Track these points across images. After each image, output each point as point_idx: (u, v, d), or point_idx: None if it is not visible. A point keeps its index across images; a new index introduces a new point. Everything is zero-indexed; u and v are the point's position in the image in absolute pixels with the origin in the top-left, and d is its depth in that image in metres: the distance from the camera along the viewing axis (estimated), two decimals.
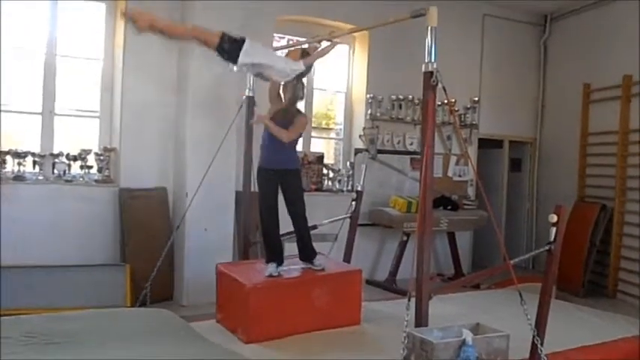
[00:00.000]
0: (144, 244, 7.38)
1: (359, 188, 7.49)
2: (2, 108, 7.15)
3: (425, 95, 4.69)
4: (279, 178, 5.88)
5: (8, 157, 7.21)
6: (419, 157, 5.20)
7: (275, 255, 5.86)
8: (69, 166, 7.49)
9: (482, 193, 5.26)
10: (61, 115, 7.66)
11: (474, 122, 10.35)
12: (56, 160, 7.44)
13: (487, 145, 10.76)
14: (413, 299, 4.48)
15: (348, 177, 9.42)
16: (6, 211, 6.88)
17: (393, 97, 9.57)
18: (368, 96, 9.41)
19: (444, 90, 4.62)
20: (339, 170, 9.45)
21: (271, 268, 5.76)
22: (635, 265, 8.84)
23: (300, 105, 6.15)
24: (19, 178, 7.15)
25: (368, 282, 8.62)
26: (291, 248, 6.21)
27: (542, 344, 4.58)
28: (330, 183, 9.30)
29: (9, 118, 7.30)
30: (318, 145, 9.59)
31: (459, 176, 10.40)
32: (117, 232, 7.61)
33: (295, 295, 5.67)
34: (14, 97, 7.33)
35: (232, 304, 5.72)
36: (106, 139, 7.87)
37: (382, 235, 9.60)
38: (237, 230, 7.67)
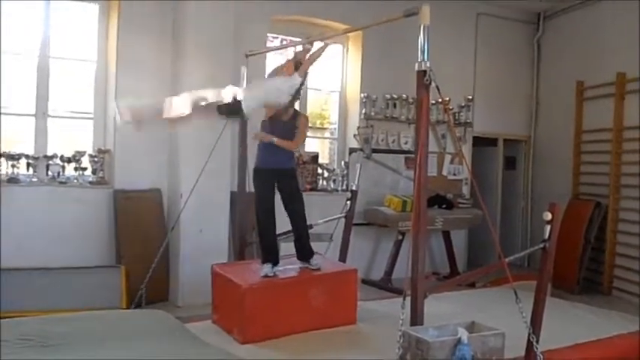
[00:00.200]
0: (139, 245, 7.37)
1: (354, 187, 7.49)
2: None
3: (418, 94, 4.69)
4: (276, 178, 5.87)
5: (2, 160, 7.20)
6: (413, 156, 5.18)
7: (271, 256, 5.85)
8: (63, 167, 7.49)
9: (476, 192, 5.26)
10: (54, 116, 7.65)
11: (468, 121, 10.36)
12: (50, 162, 7.43)
13: (481, 143, 10.77)
14: (408, 298, 4.47)
15: (343, 176, 9.42)
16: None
17: (387, 96, 9.57)
18: (362, 95, 9.41)
19: (437, 89, 4.61)
20: (334, 170, 9.45)
21: (267, 268, 5.75)
22: (630, 261, 8.86)
23: (295, 105, 6.14)
24: (13, 180, 7.14)
25: (363, 281, 8.63)
26: (286, 248, 6.21)
27: (537, 342, 4.58)
28: (324, 182, 9.30)
29: (2, 120, 7.28)
30: (312, 145, 9.60)
31: (454, 175, 10.40)
32: (112, 233, 7.60)
33: (291, 295, 5.66)
34: (7, 99, 7.30)
35: (228, 305, 5.71)
36: (100, 141, 7.86)
37: (377, 234, 9.60)
38: (233, 231, 7.66)
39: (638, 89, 8.82)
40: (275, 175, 5.84)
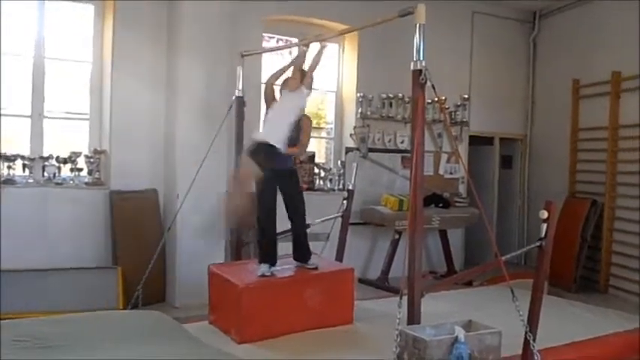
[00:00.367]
0: (135, 246, 7.36)
1: (350, 187, 7.50)
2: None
3: (414, 93, 4.70)
4: (279, 178, 5.89)
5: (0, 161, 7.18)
6: (410, 155, 5.19)
7: (269, 256, 5.85)
8: (59, 168, 7.47)
9: (473, 191, 5.27)
10: (50, 117, 7.64)
11: (465, 120, 10.37)
12: (46, 163, 7.41)
13: (478, 142, 10.78)
14: (405, 297, 4.48)
15: (340, 176, 9.41)
16: None
17: (384, 95, 9.58)
18: (358, 95, 9.41)
19: (433, 88, 4.63)
20: (331, 169, 9.45)
21: (264, 268, 5.76)
22: (627, 260, 8.87)
23: None
24: (8, 181, 7.12)
25: (360, 280, 8.62)
26: (283, 247, 6.19)
27: (534, 340, 4.59)
28: (321, 182, 9.30)
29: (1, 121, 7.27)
30: (309, 145, 9.56)
31: (450, 174, 10.41)
32: (108, 234, 7.59)
33: (288, 294, 5.67)
34: (3, 100, 7.28)
35: (225, 305, 5.71)
36: (96, 142, 7.85)
37: (374, 233, 9.60)
38: (229, 231, 7.65)
39: (635, 87, 8.83)
40: (277, 175, 5.85)
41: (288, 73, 6.12)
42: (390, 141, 9.75)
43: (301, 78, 5.82)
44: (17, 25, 7.37)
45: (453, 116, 10.25)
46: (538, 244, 4.86)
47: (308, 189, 8.92)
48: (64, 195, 7.42)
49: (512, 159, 11.42)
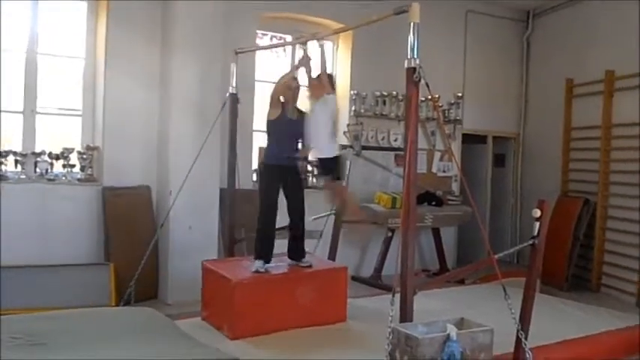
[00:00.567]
0: (128, 242, 7.35)
1: (343, 184, 7.49)
2: None
3: (408, 91, 4.70)
4: (284, 176, 5.92)
5: None
6: (403, 153, 5.20)
7: (264, 252, 5.85)
8: (51, 164, 7.45)
9: (466, 189, 5.28)
10: (42, 113, 7.61)
11: (458, 118, 10.38)
12: (38, 159, 7.39)
13: (471, 140, 10.79)
14: (398, 295, 4.49)
15: None
16: None
17: (377, 93, 9.58)
18: (352, 92, 9.41)
19: (427, 86, 4.63)
20: None
21: (258, 264, 5.76)
22: (618, 258, 8.90)
23: None
24: (0, 177, 7.09)
25: (353, 278, 8.63)
26: (278, 245, 6.18)
27: (526, 338, 4.60)
28: (314, 180, 9.28)
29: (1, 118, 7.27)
30: None
31: (443, 172, 10.43)
32: (100, 230, 7.57)
33: (281, 291, 5.67)
34: None
35: (218, 301, 5.71)
36: (89, 138, 7.83)
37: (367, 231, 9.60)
38: (222, 228, 7.65)
39: (629, 86, 8.85)
40: (283, 172, 5.90)
41: (291, 75, 6.16)
42: (383, 139, 9.76)
43: (321, 84, 5.88)
44: (10, 20, 7.32)
45: (446, 114, 10.26)
46: (531, 242, 4.87)
47: None
48: (56, 191, 7.40)
49: (505, 157, 11.45)
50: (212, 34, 7.64)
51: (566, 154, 9.97)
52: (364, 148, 9.51)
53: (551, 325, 5.79)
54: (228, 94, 7.00)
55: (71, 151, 7.56)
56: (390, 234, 9.12)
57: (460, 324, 4.63)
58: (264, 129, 6.21)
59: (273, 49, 9.46)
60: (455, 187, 10.50)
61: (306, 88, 6.12)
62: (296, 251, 6.07)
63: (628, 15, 8.89)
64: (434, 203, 9.63)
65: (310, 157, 5.93)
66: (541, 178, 10.57)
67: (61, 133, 7.88)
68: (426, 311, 4.94)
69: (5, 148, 7.25)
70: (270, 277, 5.72)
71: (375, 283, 8.79)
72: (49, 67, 7.67)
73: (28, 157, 7.36)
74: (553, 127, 10.17)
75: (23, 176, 7.29)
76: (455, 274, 7.85)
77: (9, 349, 3.91)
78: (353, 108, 9.41)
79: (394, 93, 9.57)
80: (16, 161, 7.27)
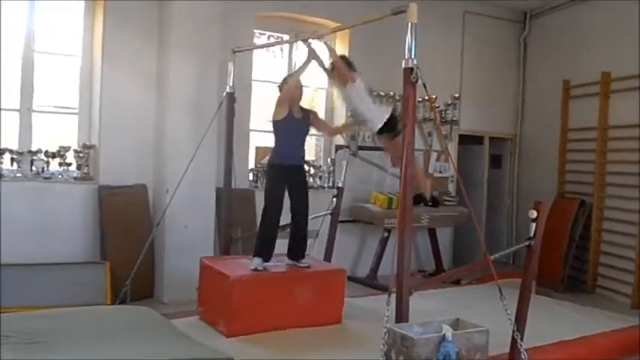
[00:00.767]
0: (124, 241, 7.34)
1: (340, 185, 7.50)
2: None
3: (405, 91, 4.70)
4: (291, 176, 5.94)
5: None
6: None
7: (264, 251, 5.85)
8: (47, 163, 7.44)
9: (462, 190, 5.28)
10: (39, 111, 7.59)
11: (455, 119, 10.38)
12: (34, 158, 7.37)
13: (467, 141, 10.80)
14: (393, 295, 4.48)
15: (329, 173, 9.41)
16: None
17: (374, 93, 9.55)
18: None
19: (424, 86, 4.63)
20: (320, 167, 9.45)
21: (257, 261, 5.76)
22: (614, 260, 8.92)
23: None
24: None
25: (349, 278, 8.56)
26: (278, 245, 6.17)
27: (521, 339, 4.61)
28: (311, 179, 9.27)
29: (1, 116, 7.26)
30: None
31: (440, 172, 10.43)
32: (96, 229, 7.56)
33: (279, 290, 5.67)
34: None
35: (215, 297, 5.71)
36: (85, 136, 7.82)
37: (363, 231, 9.61)
38: (218, 227, 7.65)
39: (625, 88, 8.87)
40: (290, 172, 5.92)
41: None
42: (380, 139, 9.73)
43: (341, 73, 5.97)
44: (6, 18, 7.30)
45: (443, 115, 10.26)
46: (527, 243, 4.88)
47: None
48: (52, 190, 7.38)
49: (501, 158, 11.46)
50: (209, 33, 7.63)
51: (562, 155, 9.98)
52: (361, 148, 9.51)
53: (547, 326, 5.80)
54: (225, 94, 7.00)
55: (67, 149, 7.54)
56: (386, 234, 9.13)
57: (456, 324, 4.63)
58: (259, 129, 6.21)
59: (270, 50, 9.45)
60: (451, 187, 10.51)
61: (330, 80, 6.28)
62: (296, 251, 6.06)
63: (625, 17, 8.91)
64: (430, 204, 9.63)
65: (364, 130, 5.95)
66: (537, 179, 10.58)
67: (57, 132, 7.86)
68: (421, 312, 4.94)
69: (1, 146, 7.23)
70: (268, 275, 5.72)
71: (371, 283, 8.80)
72: (45, 65, 7.64)
73: (24, 156, 7.34)
74: (550, 128, 10.19)
75: (19, 174, 7.27)
76: (451, 275, 7.84)
77: (4, 347, 3.90)
78: (350, 107, 9.38)
79: (391, 93, 9.56)
80: (12, 159, 7.25)
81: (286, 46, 9.33)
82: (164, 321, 5.03)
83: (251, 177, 8.80)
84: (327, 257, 7.16)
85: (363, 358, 4.64)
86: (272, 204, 5.88)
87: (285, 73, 8.75)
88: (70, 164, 7.58)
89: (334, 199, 7.40)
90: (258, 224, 6.17)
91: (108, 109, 7.62)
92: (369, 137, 9.62)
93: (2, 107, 7.31)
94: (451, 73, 10.36)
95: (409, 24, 4.62)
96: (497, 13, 10.82)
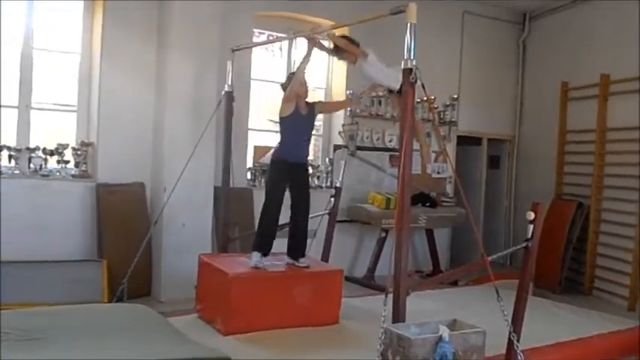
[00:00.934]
0: (121, 239, 7.34)
1: (338, 184, 7.48)
2: None
3: (404, 92, 4.70)
4: (294, 173, 5.93)
5: None
6: (398, 153, 5.20)
7: (263, 245, 5.84)
8: (45, 160, 7.43)
9: (460, 190, 5.28)
10: (37, 108, 7.58)
11: (453, 119, 10.39)
12: (32, 155, 7.36)
13: (466, 142, 10.81)
14: (390, 295, 4.48)
15: (327, 173, 9.41)
16: None
17: (373, 93, 9.56)
18: (348, 92, 9.39)
19: (423, 87, 4.63)
20: (319, 166, 9.45)
21: (256, 256, 5.76)
22: (611, 262, 8.92)
23: None
24: None
25: (347, 278, 8.57)
26: (278, 246, 6.17)
27: (518, 340, 4.61)
28: (309, 179, 9.27)
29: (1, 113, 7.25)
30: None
31: (438, 173, 10.42)
32: (94, 227, 7.55)
33: (277, 289, 5.65)
34: None
35: (213, 295, 5.70)
36: (84, 134, 7.81)
37: (361, 231, 9.61)
38: (216, 226, 7.64)
39: (623, 90, 8.87)
40: (294, 169, 5.91)
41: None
42: (378, 139, 9.76)
43: (349, 52, 5.99)
44: (5, 17, 7.29)
45: (441, 116, 10.27)
46: (524, 245, 4.87)
47: None
48: (50, 187, 7.38)
49: (499, 159, 11.47)
50: (208, 32, 7.62)
51: (560, 157, 9.99)
52: (359, 148, 9.52)
53: (544, 328, 5.81)
54: (223, 93, 7.00)
55: (65, 146, 7.54)
56: (383, 234, 9.13)
57: (453, 325, 4.63)
58: (257, 128, 6.21)
59: (269, 49, 9.45)
60: (449, 188, 10.51)
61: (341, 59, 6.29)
62: (296, 250, 6.04)
63: (625, 19, 8.91)
64: (428, 204, 9.65)
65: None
66: (535, 180, 10.59)
67: (55, 129, 7.86)
68: (418, 312, 4.95)
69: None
70: (267, 274, 5.71)
71: (368, 283, 8.80)
72: (44, 62, 7.63)
73: (22, 153, 7.34)
74: (548, 129, 10.19)
75: (17, 172, 7.26)
76: (448, 276, 7.85)
77: (1, 344, 3.90)
78: (348, 108, 9.40)
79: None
80: (10, 156, 7.25)
81: (285, 46, 9.33)
82: (161, 319, 5.03)
83: (249, 176, 8.79)
84: (325, 257, 7.15)
85: (360, 358, 4.63)
86: (273, 199, 5.87)
87: (284, 72, 8.78)
88: (68, 162, 7.57)
89: (332, 199, 7.39)
90: (256, 224, 6.17)
91: (106, 107, 7.61)
92: (367, 138, 9.63)
93: (1, 104, 7.30)
94: (450, 73, 10.37)
95: (409, 24, 4.62)
96: (496, 13, 10.83)
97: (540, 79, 10.73)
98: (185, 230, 7.46)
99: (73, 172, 7.61)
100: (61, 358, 3.82)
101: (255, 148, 8.96)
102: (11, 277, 6.58)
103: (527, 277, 4.96)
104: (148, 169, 7.88)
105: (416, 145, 5.12)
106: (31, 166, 7.35)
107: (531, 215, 4.81)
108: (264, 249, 5.84)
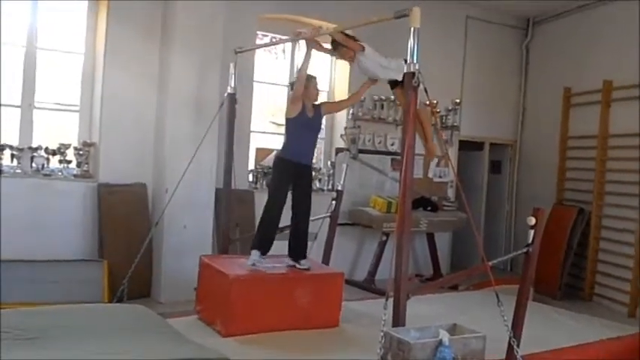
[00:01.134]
0: (122, 240, 7.34)
1: (339, 188, 7.49)
2: None
3: (406, 96, 4.70)
4: (298, 174, 5.92)
5: None
6: (399, 157, 5.20)
7: (263, 244, 5.84)
8: (47, 160, 7.44)
9: (461, 195, 5.28)
10: (40, 108, 7.59)
11: (455, 124, 10.39)
12: (35, 154, 7.37)
13: (468, 147, 10.80)
14: (391, 299, 4.48)
15: (329, 176, 9.42)
16: None
17: (375, 97, 9.58)
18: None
19: (426, 91, 4.63)
20: (320, 169, 9.44)
21: (255, 255, 5.76)
22: (611, 268, 8.91)
23: None
24: None
25: (347, 281, 8.55)
26: (278, 246, 6.17)
27: (518, 345, 4.60)
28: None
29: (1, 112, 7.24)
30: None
31: (439, 177, 10.42)
32: (95, 227, 7.56)
33: (278, 291, 5.65)
34: None
35: (213, 296, 5.70)
36: (86, 134, 7.82)
37: (362, 234, 9.61)
38: (217, 228, 7.64)
39: (626, 96, 8.87)
40: (297, 169, 5.90)
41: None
42: (380, 143, 9.76)
43: (345, 48, 5.94)
44: (8, 16, 7.30)
45: (443, 120, 10.27)
46: (525, 250, 4.88)
47: None
48: (51, 187, 7.38)
49: (501, 164, 11.46)
50: (212, 34, 7.64)
51: (562, 162, 9.99)
52: (361, 151, 9.52)
53: (544, 333, 5.80)
54: (226, 94, 6.99)
55: (68, 146, 7.54)
56: (384, 238, 9.13)
57: (453, 330, 4.63)
58: (259, 130, 6.20)
59: (273, 51, 9.46)
60: (450, 192, 10.51)
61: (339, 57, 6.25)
62: (297, 251, 6.03)
63: (628, 25, 8.91)
64: (429, 208, 9.65)
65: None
66: (537, 186, 10.59)
67: (57, 128, 7.87)
68: (418, 316, 4.95)
69: (2, 142, 7.23)
70: (267, 275, 5.70)
71: (369, 286, 8.79)
72: (47, 62, 7.64)
73: (24, 152, 7.34)
74: (550, 135, 10.19)
75: (19, 171, 7.27)
76: (448, 280, 7.84)
77: (0, 343, 3.90)
78: (351, 111, 9.40)
79: (392, 97, 9.55)
80: (12, 156, 7.25)
81: (288, 48, 9.33)
82: (160, 320, 5.03)
83: (251, 178, 8.79)
84: (326, 260, 7.15)
85: None
86: (276, 199, 5.87)
87: (287, 75, 8.79)
88: (70, 161, 7.57)
89: (333, 202, 7.39)
90: (256, 226, 6.16)
91: (109, 107, 7.62)
92: (369, 141, 9.63)
93: (3, 103, 7.31)
94: (452, 78, 10.37)
95: (412, 28, 4.62)
96: (499, 18, 10.83)
97: (543, 84, 10.73)
98: (186, 232, 7.47)
99: (74, 172, 7.62)
100: (61, 357, 3.82)
101: (257, 150, 8.97)
102: (12, 277, 6.59)
103: (528, 283, 4.95)
104: (149, 169, 7.88)
105: (418, 145, 5.09)
106: (33, 165, 7.36)
107: (532, 220, 4.81)
108: (264, 248, 5.84)
